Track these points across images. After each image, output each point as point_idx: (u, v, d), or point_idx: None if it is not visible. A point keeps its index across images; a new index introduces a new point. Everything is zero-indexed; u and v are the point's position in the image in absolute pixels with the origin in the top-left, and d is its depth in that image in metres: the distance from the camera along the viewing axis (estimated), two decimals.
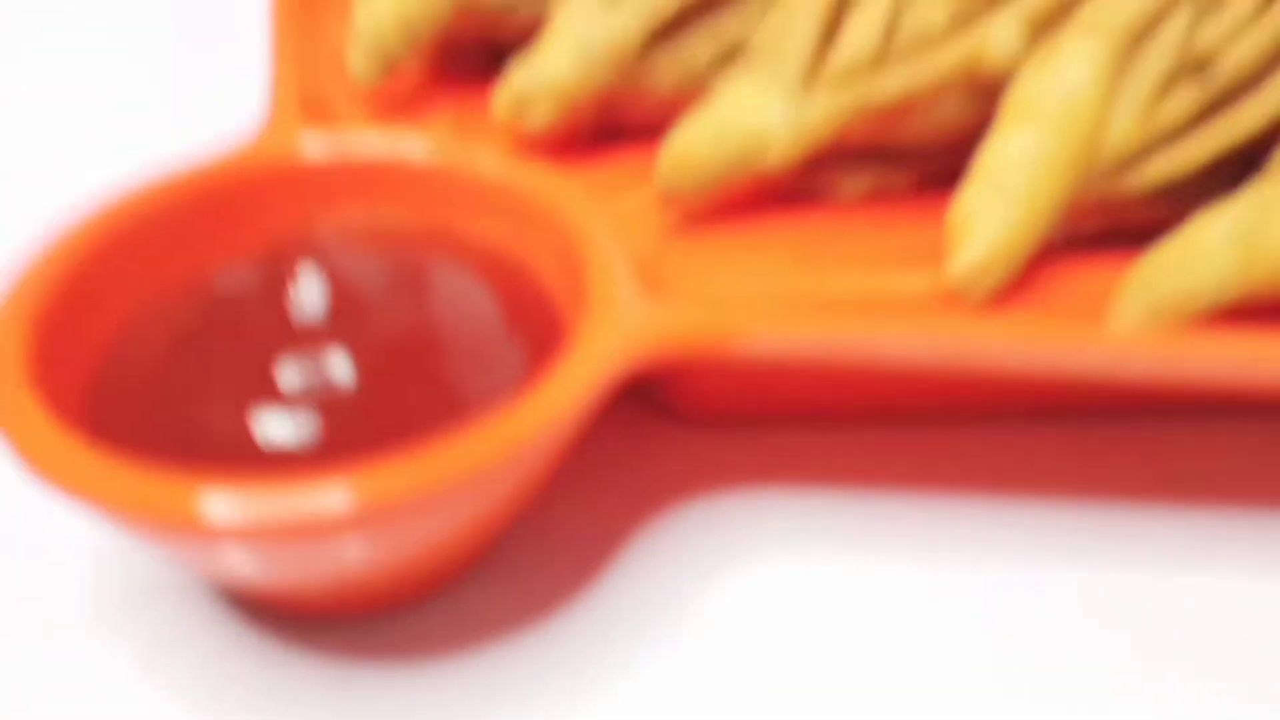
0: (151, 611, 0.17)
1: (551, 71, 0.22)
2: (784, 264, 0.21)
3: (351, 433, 0.16)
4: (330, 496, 0.14)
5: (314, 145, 0.19)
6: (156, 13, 0.32)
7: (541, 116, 0.23)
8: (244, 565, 0.15)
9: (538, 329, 0.17)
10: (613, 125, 0.25)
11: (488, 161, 0.18)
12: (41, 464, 0.14)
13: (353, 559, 0.15)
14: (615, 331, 0.16)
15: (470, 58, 0.26)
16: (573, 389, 0.15)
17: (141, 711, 0.16)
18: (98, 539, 0.18)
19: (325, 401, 0.16)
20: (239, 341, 0.17)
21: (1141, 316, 0.18)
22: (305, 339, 0.17)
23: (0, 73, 0.29)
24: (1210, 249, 0.18)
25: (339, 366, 0.17)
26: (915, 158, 0.23)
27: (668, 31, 0.24)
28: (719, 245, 0.21)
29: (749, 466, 0.20)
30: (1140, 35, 0.19)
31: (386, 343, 0.17)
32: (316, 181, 0.19)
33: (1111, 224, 0.20)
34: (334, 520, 0.14)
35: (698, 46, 0.24)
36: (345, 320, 0.17)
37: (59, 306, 0.17)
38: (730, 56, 0.24)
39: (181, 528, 0.14)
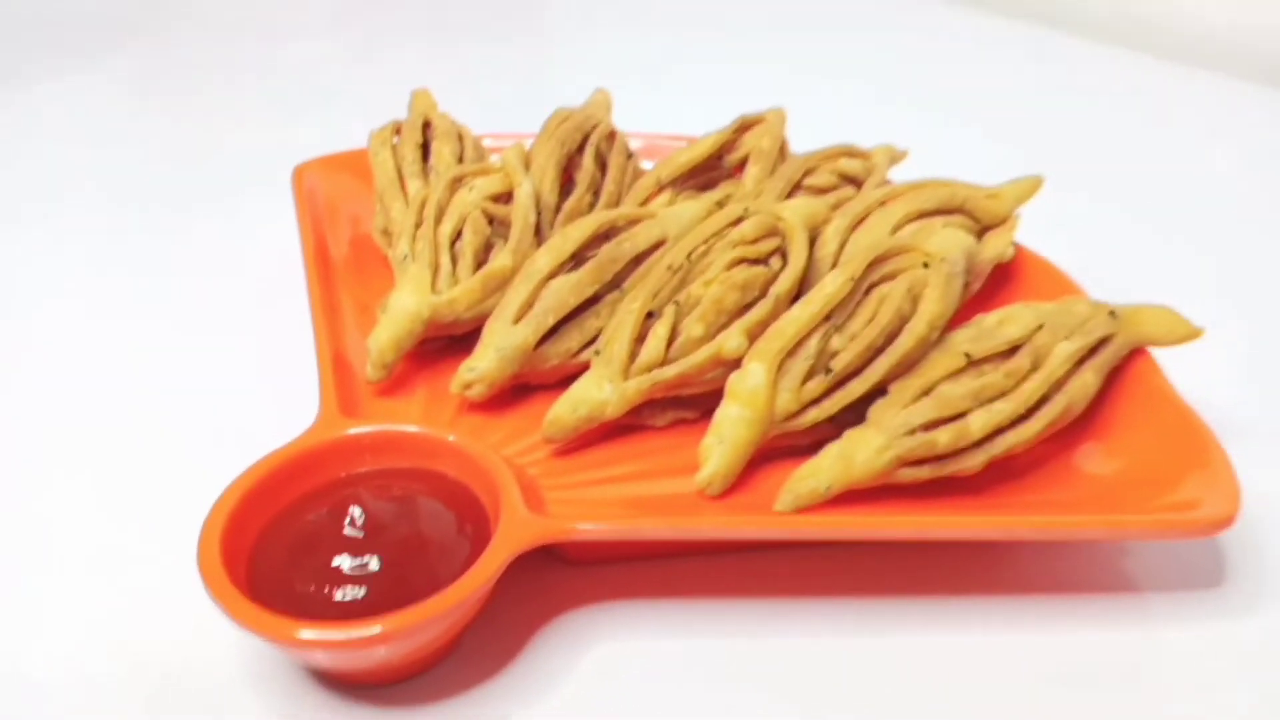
0: (282, 680, 0.33)
1: (483, 367, 0.39)
2: (616, 471, 0.38)
3: (382, 593, 0.32)
4: (370, 628, 0.30)
5: (352, 431, 0.36)
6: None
7: (479, 392, 0.40)
8: (321, 660, 0.31)
9: (476, 528, 0.34)
10: (522, 384, 0.41)
11: (447, 435, 0.35)
12: (234, 613, 0.30)
13: (381, 657, 0.31)
14: (510, 534, 0.32)
15: (432, 346, 0.43)
16: (489, 568, 0.31)
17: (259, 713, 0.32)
18: (256, 646, 0.34)
19: (365, 577, 0.32)
20: (317, 546, 0.33)
21: (790, 504, 0.35)
22: (353, 543, 0.33)
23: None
24: (824, 464, 0.35)
25: (373, 557, 0.33)
26: (698, 401, 0.40)
27: (550, 334, 0.41)
28: (580, 466, 0.38)
29: (607, 586, 0.36)
30: (790, 353, 0.36)
31: (396, 542, 0.33)
32: (354, 450, 0.36)
33: (788, 445, 0.37)
34: (371, 640, 0.30)
35: (569, 340, 0.41)
36: (373, 534, 0.33)
37: (230, 527, 0.33)
38: (590, 344, 0.41)
39: (292, 645, 0.30)
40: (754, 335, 0.38)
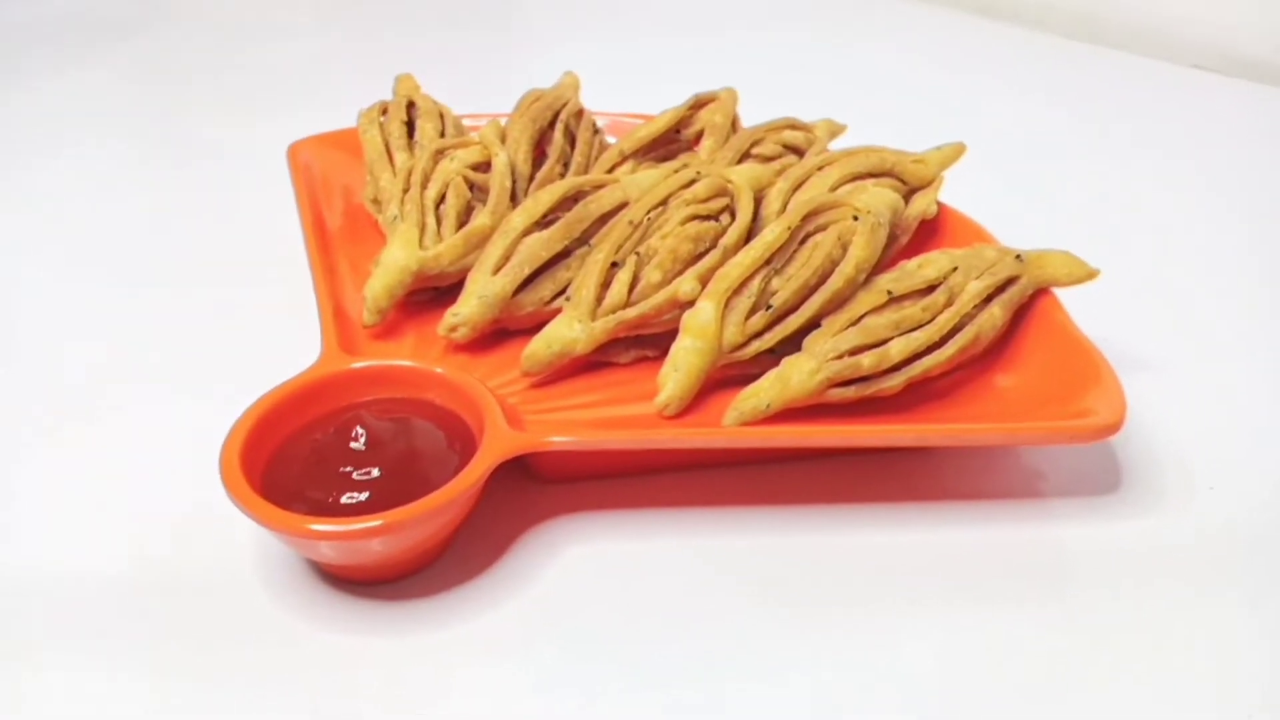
0: (285, 569, 0.38)
1: (466, 312, 0.45)
2: (585, 399, 0.43)
3: (383, 497, 0.37)
4: (372, 521, 0.35)
5: (354, 365, 0.41)
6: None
7: (464, 334, 0.45)
8: (328, 553, 0.36)
9: (464, 444, 0.39)
10: (500, 329, 0.47)
11: (436, 368, 0.40)
12: (251, 509, 0.35)
13: (379, 550, 0.36)
14: (494, 445, 0.38)
15: (419, 296, 0.48)
16: (476, 472, 0.37)
17: (271, 608, 0.37)
18: (266, 540, 0.39)
19: (369, 483, 0.38)
20: (327, 458, 0.38)
21: (735, 420, 0.40)
22: (358, 456, 0.38)
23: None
24: (764, 385, 0.41)
25: (374, 467, 0.38)
26: (657, 340, 0.45)
27: (525, 284, 0.46)
28: (553, 395, 0.43)
29: (578, 500, 0.41)
30: (735, 292, 0.42)
31: (395, 455, 0.38)
32: (354, 382, 0.41)
33: (735, 375, 0.43)
34: (373, 531, 0.35)
35: (543, 289, 0.46)
36: (374, 448, 0.39)
37: (247, 444, 0.38)
38: (561, 293, 0.47)
39: (303, 537, 0.35)
40: (705, 280, 0.44)
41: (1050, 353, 0.44)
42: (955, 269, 0.44)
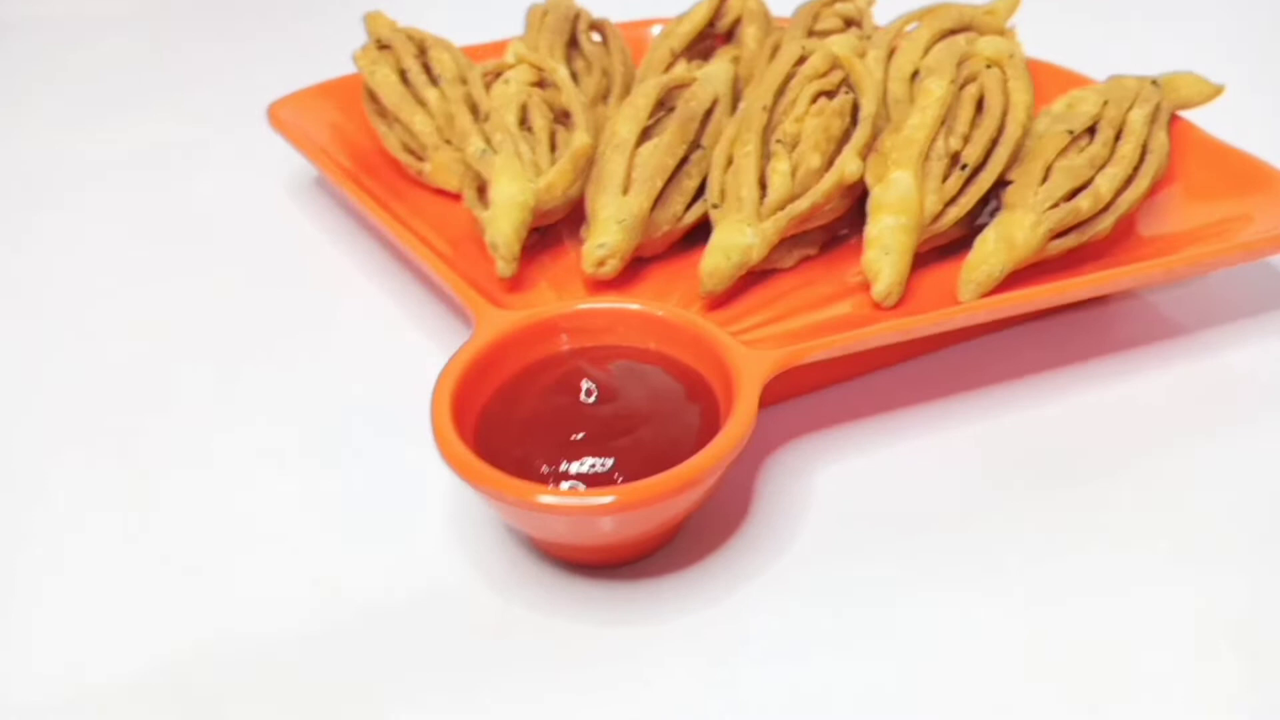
0: (503, 542, 0.32)
1: (612, 241, 0.38)
2: (772, 312, 0.38)
3: (618, 455, 0.31)
4: (604, 498, 0.29)
5: (557, 312, 0.34)
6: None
7: (613, 268, 0.38)
8: (554, 529, 0.30)
9: (701, 396, 0.33)
10: (635, 258, 0.40)
11: (664, 311, 0.34)
12: (465, 472, 0.29)
13: (610, 532, 0.30)
14: (750, 370, 0.32)
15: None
16: (748, 409, 0.31)
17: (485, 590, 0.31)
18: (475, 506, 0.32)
19: (602, 443, 0.31)
20: (550, 420, 0.32)
21: (974, 292, 0.36)
22: (587, 416, 0.32)
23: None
24: (990, 250, 0.37)
25: (607, 426, 0.32)
26: (816, 235, 0.41)
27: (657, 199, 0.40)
28: (735, 316, 0.38)
29: (794, 423, 0.36)
30: (926, 156, 0.38)
31: (630, 408, 0.32)
32: (553, 332, 0.34)
33: (936, 244, 0.39)
34: (602, 509, 0.29)
35: (673, 204, 0.40)
36: (606, 403, 0.32)
37: (461, 389, 0.31)
38: (692, 202, 0.41)
39: (529, 508, 0.28)
40: (864, 156, 0.39)
41: (1215, 170, 0.42)
42: (1106, 102, 0.41)
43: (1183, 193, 0.42)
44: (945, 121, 0.39)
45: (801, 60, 0.42)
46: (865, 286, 0.38)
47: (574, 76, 0.48)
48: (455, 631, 0.30)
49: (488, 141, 0.41)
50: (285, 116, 0.48)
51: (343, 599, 0.31)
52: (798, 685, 0.28)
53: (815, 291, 0.39)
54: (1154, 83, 0.43)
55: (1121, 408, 0.37)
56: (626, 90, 0.49)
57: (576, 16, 0.51)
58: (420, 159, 0.45)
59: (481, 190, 0.41)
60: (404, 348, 0.40)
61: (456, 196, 0.45)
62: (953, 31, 0.47)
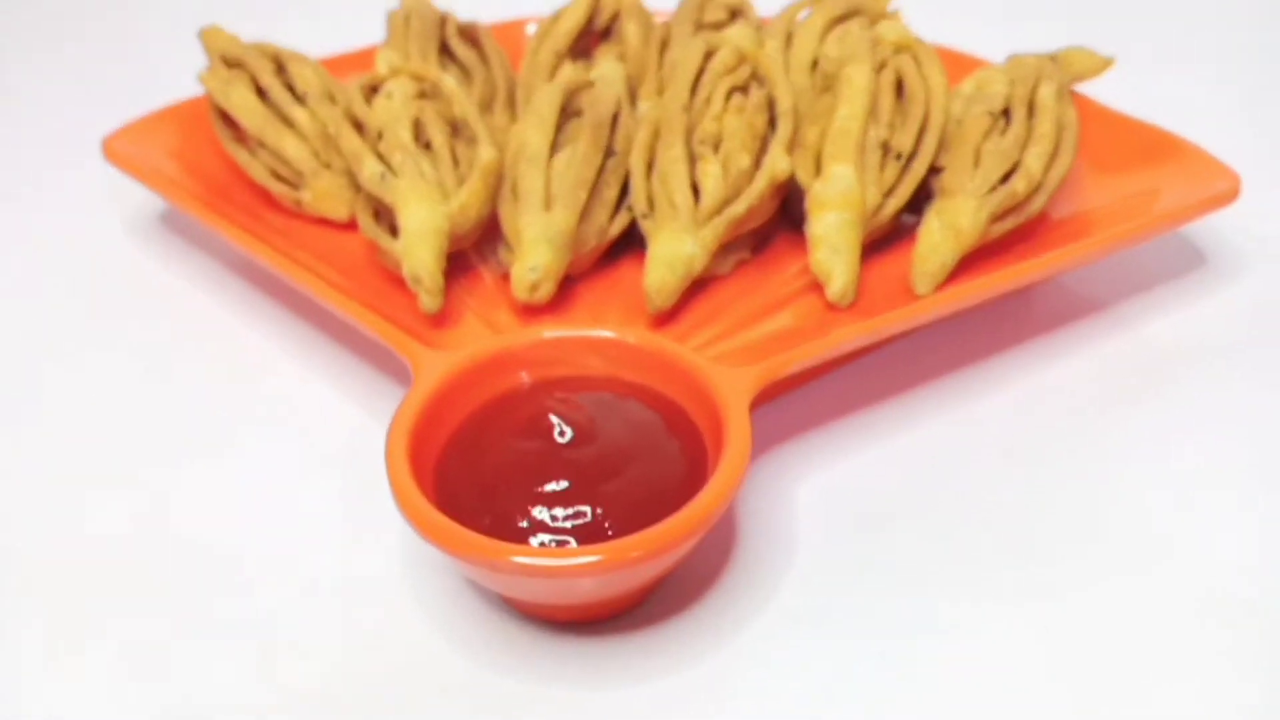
0: (466, 604, 0.28)
1: (543, 262, 0.35)
2: (722, 326, 0.35)
3: (605, 503, 0.28)
4: (585, 559, 0.26)
5: (513, 343, 0.31)
6: None
7: (547, 291, 0.35)
8: (520, 590, 0.27)
9: (681, 427, 0.30)
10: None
11: (630, 336, 0.31)
12: (426, 530, 0.26)
13: (589, 591, 0.27)
14: (734, 393, 0.29)
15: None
16: (742, 436, 0.28)
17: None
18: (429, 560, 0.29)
19: (588, 489, 0.28)
20: (521, 458, 0.28)
21: (929, 285, 0.35)
22: (559, 458, 0.28)
23: None
24: (938, 240, 0.35)
25: (590, 470, 0.28)
26: (748, 239, 0.38)
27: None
28: (683, 334, 0.35)
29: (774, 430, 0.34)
30: (862, 151, 0.36)
31: (613, 447, 0.29)
32: (512, 364, 0.31)
33: (872, 238, 0.37)
34: (582, 570, 0.26)
35: (598, 216, 0.37)
36: (585, 439, 0.29)
37: (414, 444, 0.28)
38: (616, 213, 0.38)
39: (497, 569, 0.25)
40: (790, 146, 0.38)
41: (1117, 141, 0.42)
42: (1013, 81, 0.41)
43: (1089, 167, 0.42)
44: (873, 113, 0.37)
45: (708, 56, 0.40)
46: (813, 287, 0.36)
47: None
48: (421, 702, 0.27)
49: (385, 163, 0.36)
50: (123, 150, 0.42)
51: (296, 672, 0.27)
52: None
53: (761, 297, 0.37)
54: (1052, 59, 0.43)
55: (1062, 388, 0.37)
56: (511, 98, 0.45)
57: (443, 21, 0.47)
58: (295, 186, 0.40)
59: (378, 215, 0.37)
60: (318, 407, 0.36)
61: (340, 226, 0.40)
62: (843, 18, 0.46)
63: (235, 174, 0.42)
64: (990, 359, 0.38)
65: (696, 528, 0.26)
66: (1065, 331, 0.39)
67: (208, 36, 0.45)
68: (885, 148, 0.37)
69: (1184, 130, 0.42)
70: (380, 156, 0.37)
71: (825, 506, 0.32)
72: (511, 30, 0.50)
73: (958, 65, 0.46)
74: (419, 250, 0.34)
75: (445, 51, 0.46)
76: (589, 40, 0.48)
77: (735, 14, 0.48)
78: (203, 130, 0.43)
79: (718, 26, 0.47)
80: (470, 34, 0.47)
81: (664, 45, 0.46)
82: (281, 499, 0.33)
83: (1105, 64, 0.44)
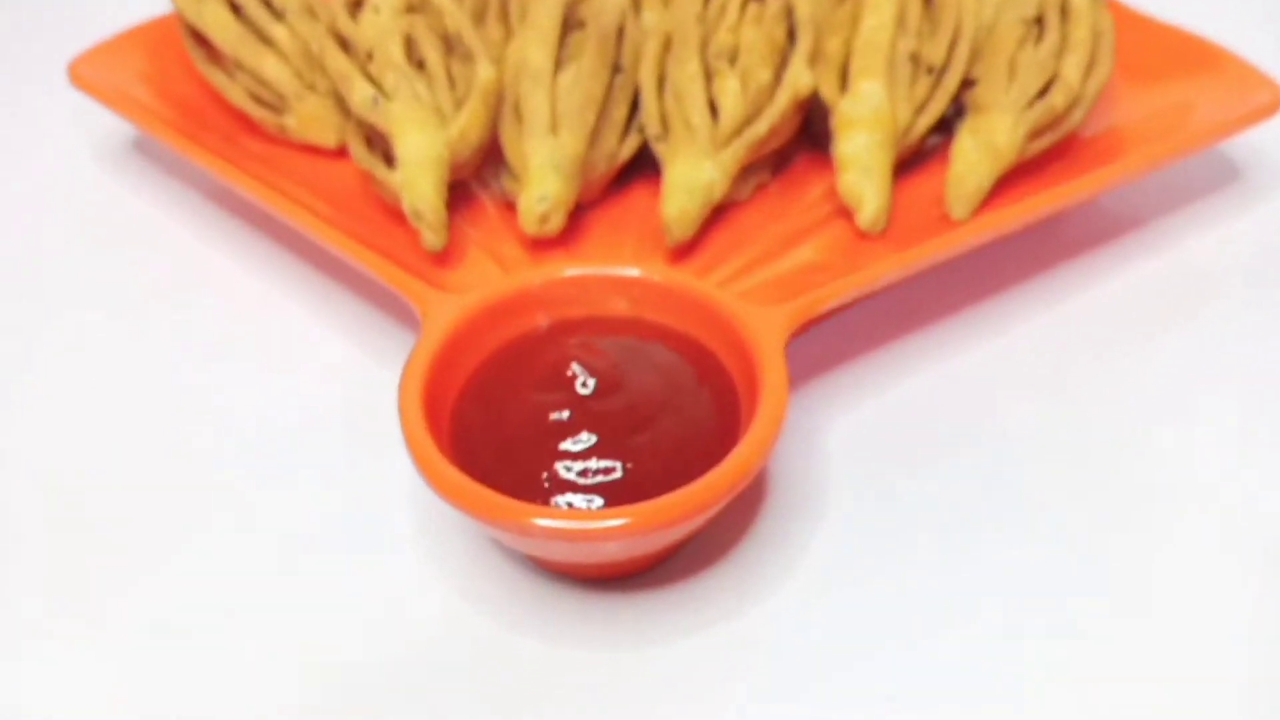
0: (485, 562, 0.27)
1: (553, 191, 0.32)
2: (747, 257, 0.33)
3: (635, 457, 0.26)
4: (613, 521, 0.24)
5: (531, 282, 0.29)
6: None
7: (558, 223, 0.33)
8: (545, 550, 0.25)
9: (712, 372, 0.28)
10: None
11: (655, 273, 0.29)
12: (441, 488, 0.24)
13: (617, 552, 0.25)
14: (767, 333, 0.27)
15: None
16: (778, 378, 0.26)
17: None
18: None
19: (616, 443, 0.26)
20: (541, 409, 0.26)
21: (966, 209, 0.33)
22: (584, 409, 0.26)
23: None
24: (974, 160, 0.33)
25: (617, 421, 0.26)
26: (767, 160, 0.36)
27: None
28: (707, 265, 0.33)
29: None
30: (892, 65, 0.34)
31: (641, 396, 0.27)
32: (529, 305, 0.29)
33: (903, 157, 0.35)
34: (612, 534, 0.24)
35: (607, 139, 0.35)
36: (610, 388, 0.27)
37: (428, 394, 0.26)
38: (626, 135, 0.35)
39: (522, 532, 0.24)
40: (813, 58, 0.35)
41: (1151, 50, 0.40)
42: None
43: (1120, 77, 0.39)
44: (900, 23, 0.35)
45: None
46: (841, 213, 0.34)
47: None
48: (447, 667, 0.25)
49: (377, 85, 0.34)
50: (91, 75, 0.39)
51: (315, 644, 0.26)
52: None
53: (786, 225, 0.34)
54: None
55: (1094, 313, 0.35)
56: (504, 8, 0.42)
57: None
58: (278, 111, 0.37)
59: (370, 143, 0.34)
60: (315, 350, 0.34)
61: (328, 153, 0.37)
62: None
63: (213, 98, 0.39)
64: (1020, 283, 0.36)
65: (732, 486, 0.24)
66: (1095, 253, 0.37)
67: None
68: (915, 60, 0.35)
69: (1217, 31, 0.40)
70: (371, 78, 0.34)
71: (855, 448, 0.31)
72: None
73: None
74: (419, 183, 0.31)
75: None
76: None
77: None
78: (176, 51, 0.40)
79: None
80: None
81: None
82: (283, 455, 0.30)
83: None
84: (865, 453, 0.30)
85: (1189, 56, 0.39)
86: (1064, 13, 0.37)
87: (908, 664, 0.26)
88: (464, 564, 0.28)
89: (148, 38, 0.41)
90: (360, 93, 0.33)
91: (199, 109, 0.39)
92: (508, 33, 0.41)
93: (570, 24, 0.37)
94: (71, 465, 0.31)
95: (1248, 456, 0.30)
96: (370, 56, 0.34)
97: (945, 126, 0.36)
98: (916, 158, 0.36)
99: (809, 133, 0.37)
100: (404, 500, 0.29)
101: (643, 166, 0.36)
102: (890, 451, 0.30)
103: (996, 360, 0.33)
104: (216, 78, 0.39)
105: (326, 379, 0.33)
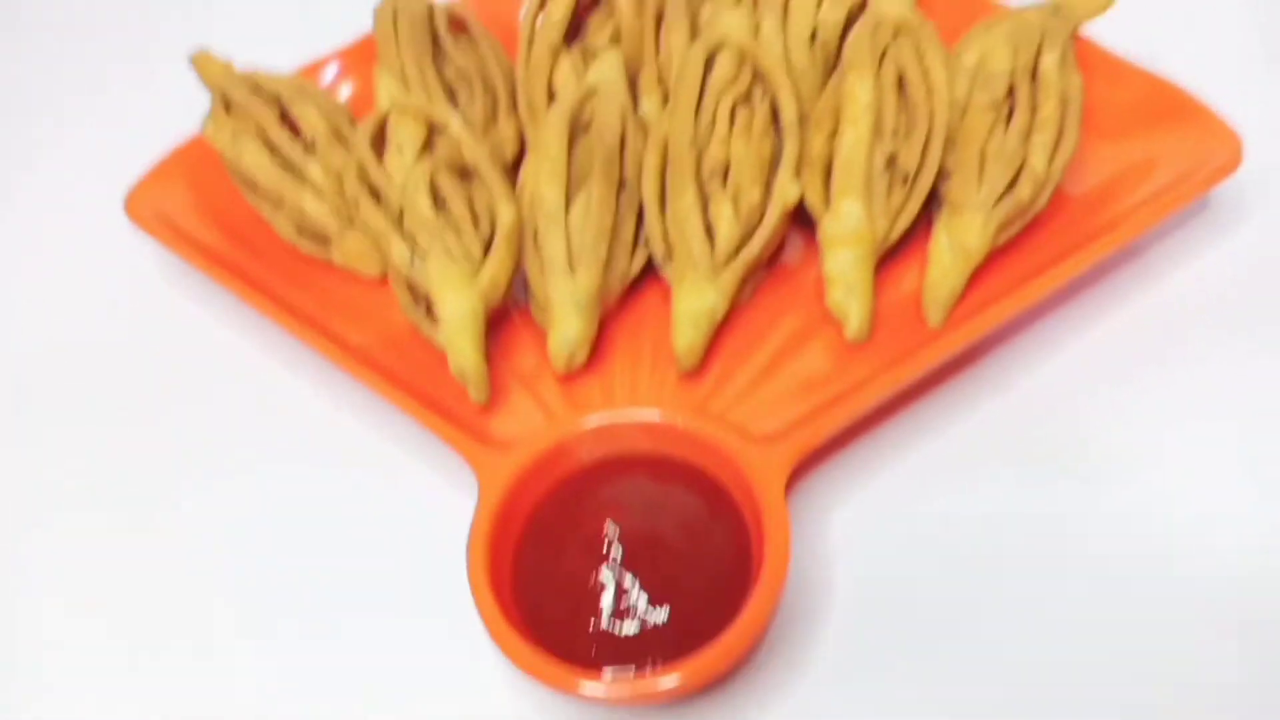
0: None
1: (575, 333, 0.37)
2: (748, 373, 0.38)
3: (655, 597, 0.32)
4: (665, 681, 0.29)
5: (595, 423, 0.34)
6: None
7: (582, 358, 0.37)
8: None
9: (725, 510, 0.33)
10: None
11: (676, 419, 0.34)
12: (513, 656, 0.30)
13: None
14: (766, 476, 0.32)
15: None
16: (781, 520, 0.32)
17: None
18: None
19: (651, 599, 0.32)
20: (586, 570, 0.32)
21: (941, 315, 0.37)
22: (627, 567, 0.32)
23: None
24: (946, 263, 0.37)
25: (649, 582, 0.32)
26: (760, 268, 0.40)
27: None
28: (716, 381, 0.38)
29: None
30: (869, 180, 0.37)
31: (661, 559, 0.32)
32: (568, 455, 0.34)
33: (888, 252, 0.39)
34: (666, 694, 0.30)
35: (619, 261, 0.39)
36: (642, 549, 0.32)
37: (496, 532, 0.32)
38: (635, 249, 0.39)
39: (576, 694, 0.30)
40: (799, 173, 0.38)
41: (1123, 97, 0.42)
42: (1016, 49, 0.41)
43: (1089, 128, 0.42)
44: (878, 128, 0.38)
45: (710, 61, 0.40)
46: (828, 320, 0.38)
47: (452, 94, 0.44)
48: None
49: (412, 242, 0.38)
50: (144, 207, 0.43)
51: None
52: None
53: (783, 328, 0.39)
54: (1054, 10, 0.42)
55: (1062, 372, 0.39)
56: (512, 99, 0.45)
57: (431, 14, 0.46)
58: (322, 243, 0.42)
59: (414, 292, 0.39)
60: (379, 467, 0.39)
61: (374, 282, 0.42)
62: None
63: (254, 215, 0.43)
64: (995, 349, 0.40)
65: (748, 641, 0.30)
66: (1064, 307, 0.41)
67: (201, 66, 0.45)
68: (892, 164, 0.38)
69: (1195, 64, 0.42)
70: (404, 234, 0.38)
71: (855, 540, 0.36)
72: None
73: (968, 8, 0.45)
74: (460, 343, 0.36)
75: (437, 45, 0.46)
76: (580, 12, 0.47)
77: None
78: (221, 171, 0.44)
79: None
80: (459, 23, 0.46)
81: (659, 19, 0.45)
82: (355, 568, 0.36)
83: (1107, 2, 0.43)
84: (864, 546, 0.35)
85: (1157, 106, 0.42)
86: (1034, 79, 0.40)
87: None
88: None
89: (196, 157, 0.44)
90: (398, 252, 0.38)
91: (250, 235, 0.43)
92: (517, 124, 0.44)
93: (576, 125, 0.40)
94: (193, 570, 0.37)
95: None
96: (402, 214, 0.38)
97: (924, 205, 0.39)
98: (895, 248, 0.39)
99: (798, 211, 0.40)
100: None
101: (651, 266, 0.40)
102: (883, 542, 0.36)
103: (975, 437, 0.38)
104: (263, 208, 0.43)
105: (400, 496, 0.38)
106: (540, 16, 0.46)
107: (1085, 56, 0.43)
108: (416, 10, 0.46)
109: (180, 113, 0.46)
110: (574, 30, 0.47)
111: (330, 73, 0.49)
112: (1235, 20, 0.51)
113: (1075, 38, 0.43)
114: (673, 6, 0.44)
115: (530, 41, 0.45)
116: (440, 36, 0.45)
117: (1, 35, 0.63)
